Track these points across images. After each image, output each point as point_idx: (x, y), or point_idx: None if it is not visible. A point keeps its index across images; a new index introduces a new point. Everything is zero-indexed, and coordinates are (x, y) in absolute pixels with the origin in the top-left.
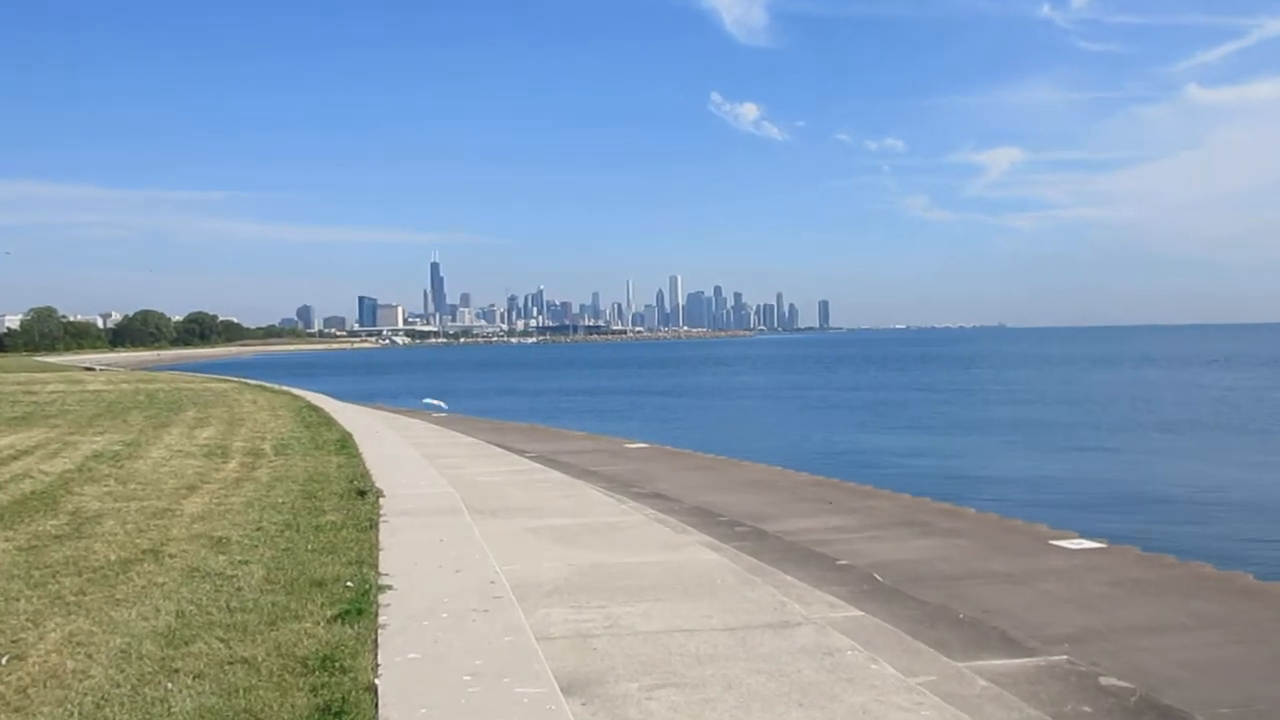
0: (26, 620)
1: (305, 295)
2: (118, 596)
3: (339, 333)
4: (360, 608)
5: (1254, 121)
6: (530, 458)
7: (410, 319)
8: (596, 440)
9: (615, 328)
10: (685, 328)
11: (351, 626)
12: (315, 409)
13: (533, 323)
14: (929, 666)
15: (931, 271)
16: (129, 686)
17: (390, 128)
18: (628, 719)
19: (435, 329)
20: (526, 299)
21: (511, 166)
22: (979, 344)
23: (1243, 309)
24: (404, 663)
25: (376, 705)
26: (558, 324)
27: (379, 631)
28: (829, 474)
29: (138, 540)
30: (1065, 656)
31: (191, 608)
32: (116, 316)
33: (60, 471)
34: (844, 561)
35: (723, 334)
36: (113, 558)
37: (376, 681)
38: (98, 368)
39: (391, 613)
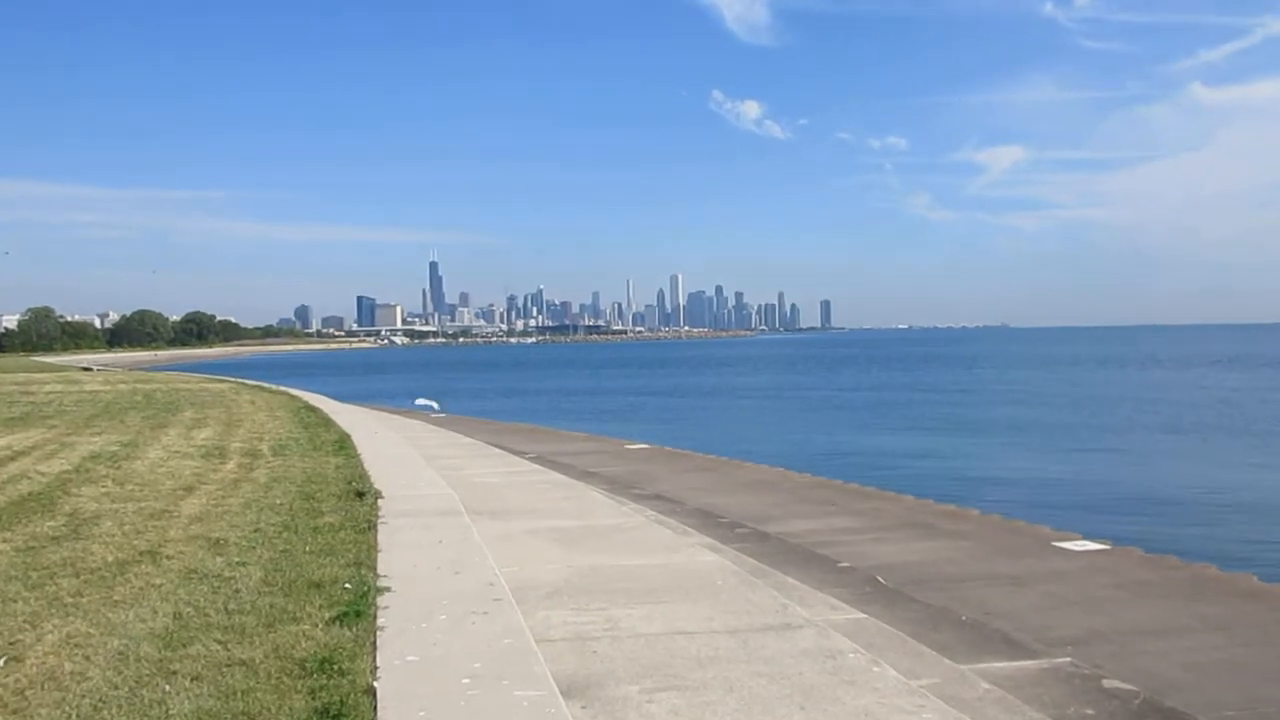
0: (24, 622)
1: (303, 295)
2: (115, 598)
3: (337, 333)
4: (359, 610)
5: (1257, 121)
6: (530, 459)
7: (409, 319)
8: (596, 441)
9: (615, 328)
10: (686, 328)
11: (350, 629)
12: (313, 409)
13: (532, 323)
14: (932, 669)
15: (934, 271)
16: (127, 689)
17: (389, 127)
18: None
19: (434, 329)
20: (526, 299)
21: (511, 165)
22: (982, 344)
23: (1247, 309)
24: (403, 665)
25: (375, 708)
26: (557, 324)
27: (377, 634)
28: (831, 475)
29: (135, 541)
30: (1069, 659)
31: (189, 609)
32: (114, 316)
33: (58, 472)
34: (846, 563)
35: (724, 334)
36: (110, 559)
37: (375, 684)
38: (95, 368)
39: (390, 615)
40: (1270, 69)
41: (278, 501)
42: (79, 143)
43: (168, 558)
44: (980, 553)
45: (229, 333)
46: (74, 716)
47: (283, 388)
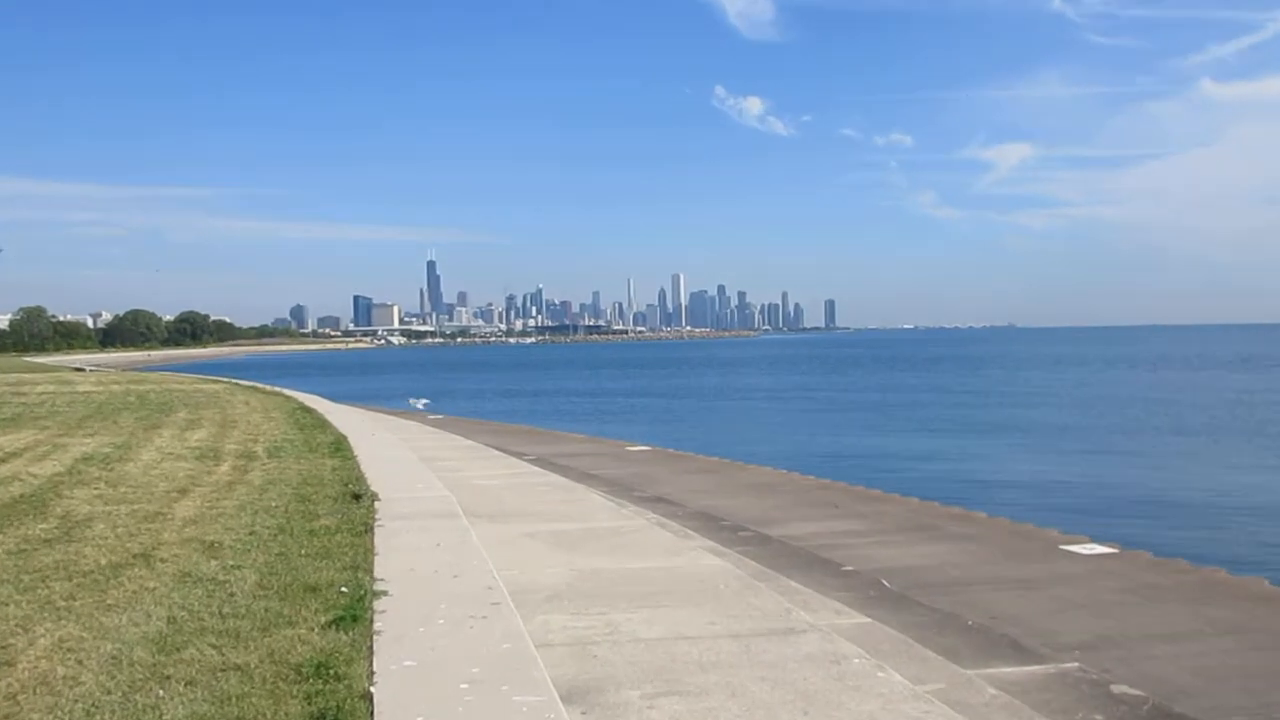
0: (16, 626)
1: (299, 294)
2: (108, 602)
3: (333, 333)
4: (355, 614)
5: (1268, 117)
6: (529, 460)
7: (406, 319)
8: (597, 443)
9: (616, 328)
10: (688, 328)
11: (346, 633)
12: (309, 410)
13: (531, 322)
14: (938, 674)
15: (940, 270)
16: (120, 694)
17: (387, 125)
18: None
19: (432, 329)
20: (525, 298)
21: (511, 164)
22: (988, 344)
23: (1259, 309)
24: (400, 670)
25: (372, 713)
26: (557, 324)
27: (374, 638)
28: (835, 477)
29: (128, 544)
30: (1076, 664)
31: (183, 613)
32: (107, 316)
33: (50, 474)
34: (850, 567)
35: (726, 334)
36: (103, 562)
37: (372, 689)
38: (88, 368)
39: (387, 619)
40: None
41: (273, 504)
42: (72, 140)
43: (161, 561)
44: (987, 556)
45: (223, 333)
46: None
47: (278, 388)
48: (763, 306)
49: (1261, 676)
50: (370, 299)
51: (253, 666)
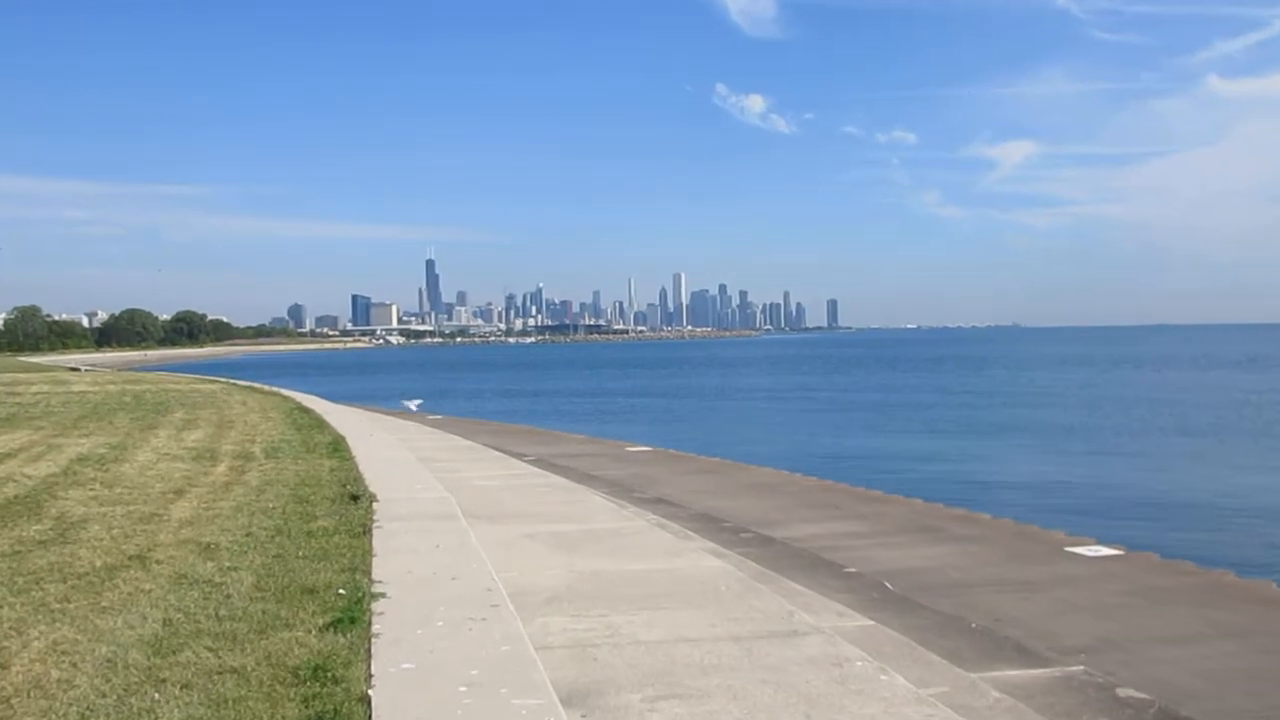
0: (9, 628)
1: (297, 293)
2: (103, 604)
3: (331, 332)
4: (353, 616)
5: (1276, 114)
6: (529, 461)
7: (405, 318)
8: (597, 443)
9: (617, 327)
10: (689, 327)
11: (344, 635)
12: (306, 411)
13: (531, 322)
14: (941, 677)
15: (943, 269)
16: (115, 697)
17: (386, 122)
18: None
19: (431, 328)
20: (525, 297)
21: (510, 162)
22: (992, 344)
23: (1265, 308)
24: (398, 673)
25: (370, 717)
26: (557, 323)
27: (372, 640)
28: (837, 478)
29: (124, 546)
30: (1081, 667)
31: (179, 616)
32: (103, 315)
33: (44, 475)
34: (853, 569)
35: (728, 334)
36: (98, 564)
37: (370, 692)
38: (83, 368)
39: (385, 621)
40: None
41: (270, 505)
42: (67, 137)
43: (157, 562)
44: (991, 558)
45: (220, 332)
46: None
47: (275, 388)
48: (764, 306)
49: (1268, 680)
50: (369, 298)
51: (249, 669)
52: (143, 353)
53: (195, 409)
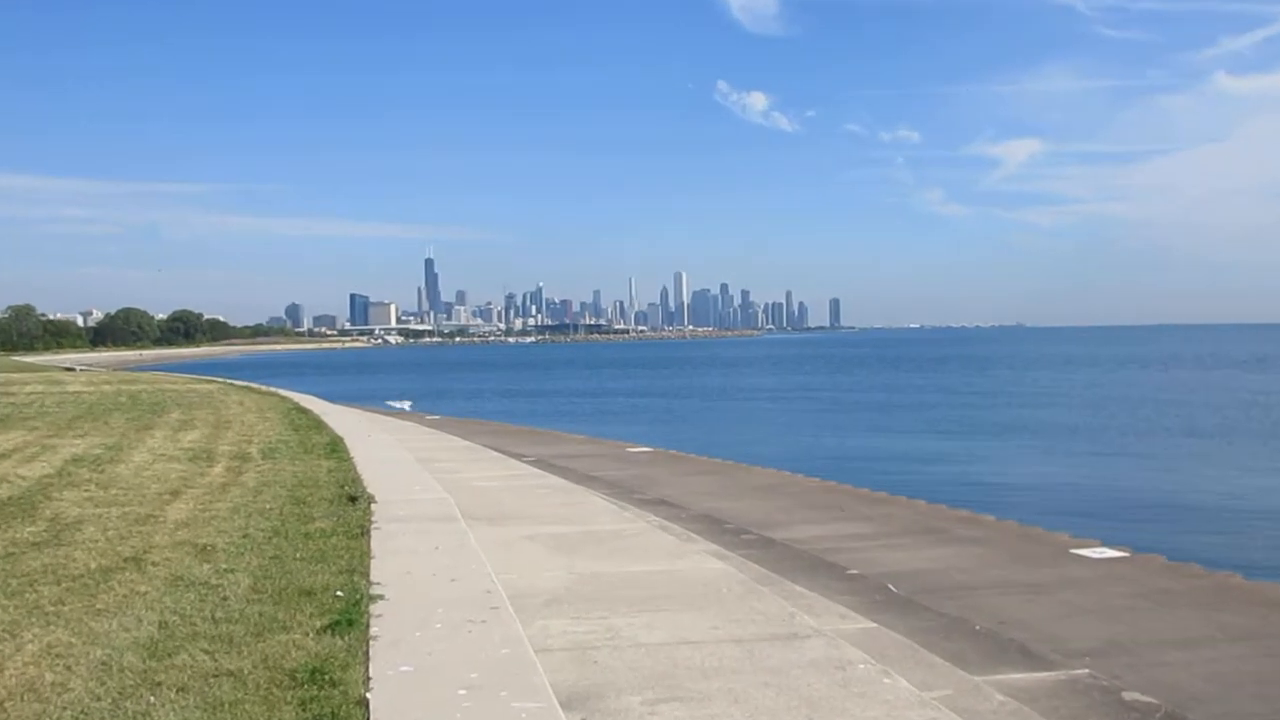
0: (3, 631)
1: (294, 293)
2: (98, 606)
3: (329, 332)
4: (351, 618)
5: None
6: (528, 462)
7: (404, 317)
8: (597, 444)
9: (617, 327)
10: (690, 327)
11: (342, 638)
12: (304, 411)
13: (531, 321)
14: (945, 680)
15: (947, 268)
16: (110, 700)
17: (384, 118)
18: None
19: (430, 328)
20: (525, 297)
21: (509, 160)
22: (997, 344)
23: (1273, 308)
24: (396, 676)
25: None
26: (557, 323)
27: (370, 643)
28: (840, 479)
29: (119, 548)
30: (1087, 670)
31: (175, 618)
32: (98, 314)
33: (39, 476)
34: (856, 571)
35: (729, 333)
36: (93, 566)
37: (368, 695)
38: (78, 368)
39: (383, 623)
40: None
41: (267, 506)
42: (61, 134)
43: (153, 564)
44: (995, 560)
45: (217, 332)
46: None
47: (272, 388)
48: (766, 305)
49: (1276, 683)
50: (367, 297)
51: (246, 672)
52: (138, 352)
53: (191, 409)
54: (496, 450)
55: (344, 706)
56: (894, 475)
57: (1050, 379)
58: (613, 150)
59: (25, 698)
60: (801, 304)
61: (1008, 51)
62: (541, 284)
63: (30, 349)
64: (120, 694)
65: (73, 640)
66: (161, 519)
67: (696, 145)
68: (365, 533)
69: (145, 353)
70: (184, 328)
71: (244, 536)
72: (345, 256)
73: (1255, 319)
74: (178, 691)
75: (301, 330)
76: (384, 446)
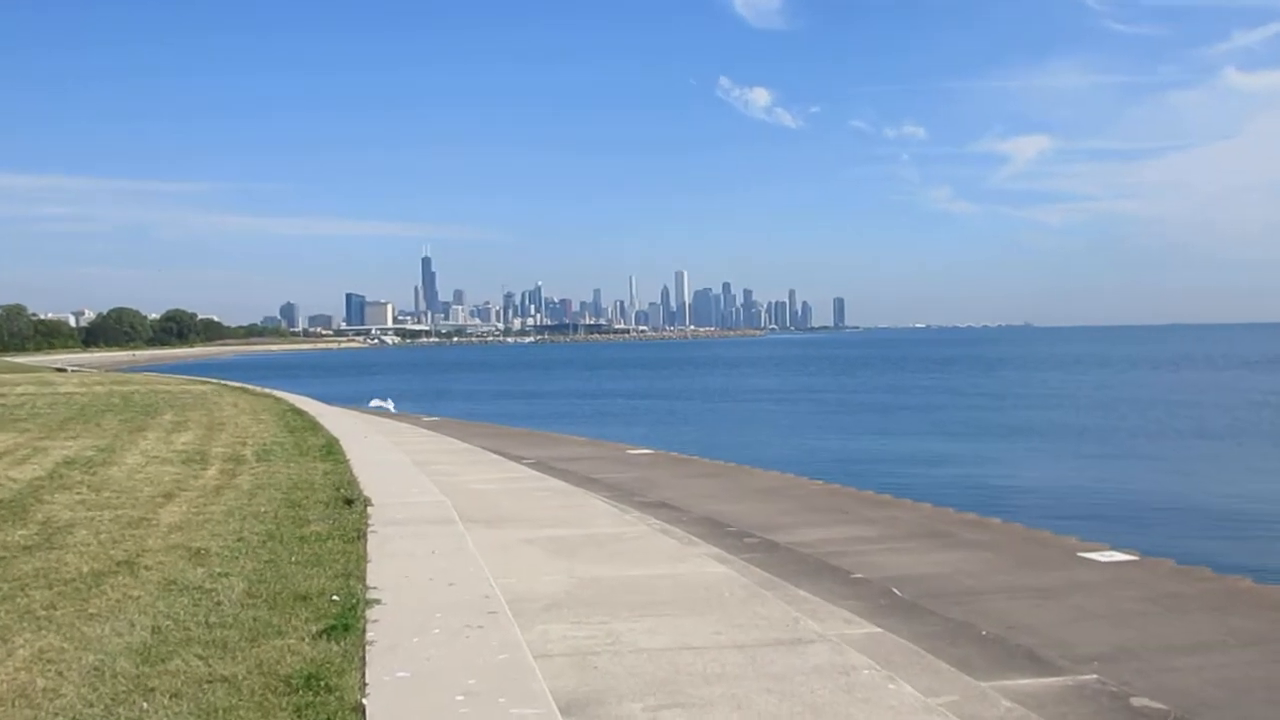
0: None
1: (289, 292)
2: (90, 611)
3: (325, 332)
4: (347, 623)
5: None
6: (527, 464)
7: (400, 317)
8: (597, 446)
9: (618, 327)
10: (692, 327)
11: (338, 643)
12: (299, 412)
13: (530, 321)
14: (951, 686)
15: (953, 268)
16: (102, 706)
17: (382, 116)
18: None
19: (427, 328)
20: (524, 296)
21: (508, 158)
22: (1004, 344)
23: None
24: (393, 682)
25: None
26: (556, 323)
27: (367, 648)
28: (844, 482)
29: (112, 551)
30: (1095, 676)
31: (168, 623)
32: (90, 315)
33: (30, 478)
34: (860, 575)
35: (731, 333)
36: (85, 570)
37: (364, 701)
38: (70, 369)
39: (380, 628)
40: None
41: (262, 509)
42: (51, 131)
43: (146, 568)
44: (1002, 564)
45: (211, 332)
46: None
47: (267, 389)
48: (769, 305)
49: None
50: (363, 297)
51: (240, 678)
52: (131, 353)
53: (185, 411)
54: (495, 452)
55: (340, 713)
56: (899, 478)
57: (1059, 380)
58: (613, 147)
59: (16, 704)
60: (805, 303)
61: (1015, 46)
62: (540, 283)
63: (21, 349)
64: (113, 700)
65: (65, 645)
66: (154, 522)
67: (699, 142)
68: (361, 536)
69: (138, 353)
70: (177, 328)
71: (238, 540)
72: (341, 255)
73: (1269, 318)
74: (171, 697)
75: (297, 330)
76: (380, 449)
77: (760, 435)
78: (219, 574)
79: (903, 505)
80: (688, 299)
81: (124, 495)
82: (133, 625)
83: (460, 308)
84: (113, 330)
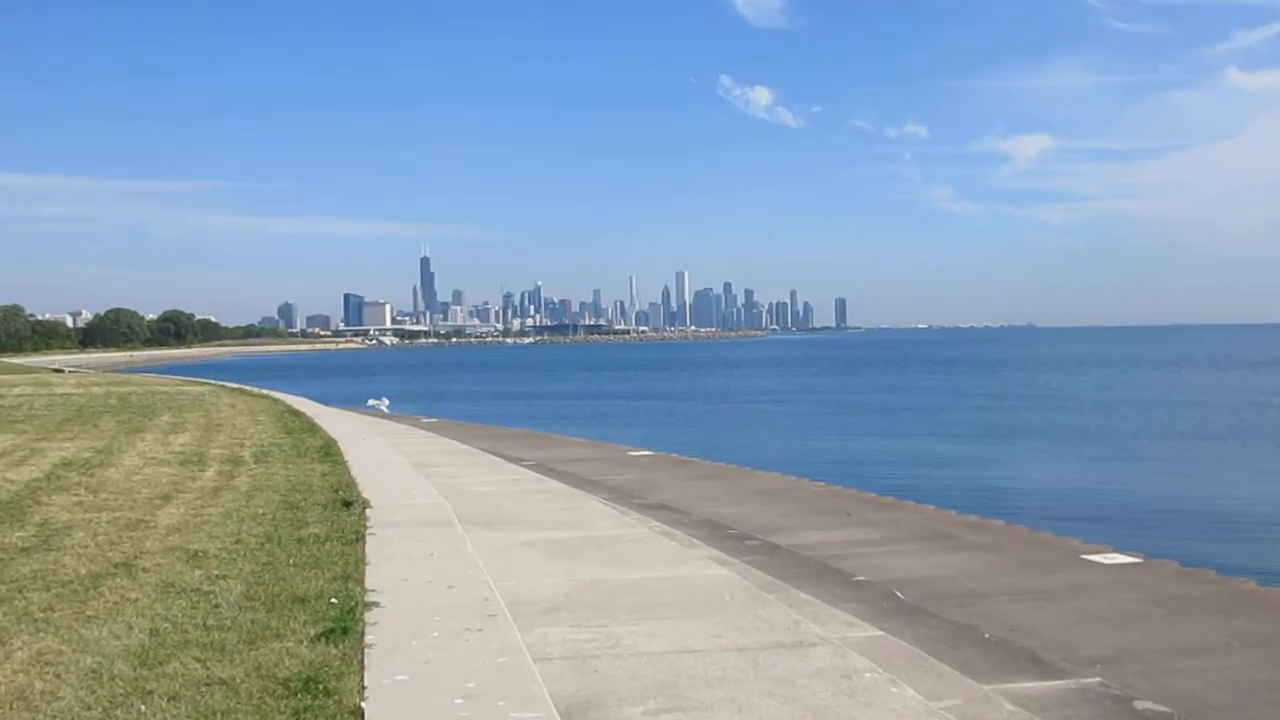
0: None
1: (287, 292)
2: (88, 613)
3: (323, 332)
4: (345, 626)
5: None
6: (527, 466)
7: (399, 318)
8: (597, 447)
9: (618, 327)
10: (692, 327)
11: (336, 646)
12: (297, 414)
13: (530, 322)
14: (953, 689)
15: (955, 268)
16: (100, 709)
17: (380, 115)
18: None
19: (425, 328)
20: (523, 296)
21: (507, 156)
22: (1006, 345)
23: None
24: (392, 685)
25: None
26: (556, 323)
27: (365, 651)
28: (846, 484)
29: (109, 553)
30: (1098, 679)
31: (166, 625)
32: (87, 315)
33: (27, 480)
34: (862, 577)
35: (732, 334)
36: (83, 572)
37: (363, 705)
38: (67, 369)
39: (379, 631)
40: None
41: (260, 511)
42: (49, 130)
43: (144, 570)
44: (1005, 566)
45: (208, 332)
46: None
47: (265, 390)
48: (770, 305)
49: None
50: (361, 297)
51: (238, 681)
52: (128, 354)
53: (183, 412)
54: (494, 454)
55: (339, 716)
56: (901, 479)
57: (1061, 380)
58: (613, 146)
59: (14, 706)
60: (806, 304)
61: (1017, 45)
62: (540, 283)
63: (18, 350)
64: (111, 703)
65: (62, 648)
66: (152, 524)
67: (699, 142)
68: (360, 538)
69: (135, 354)
70: (175, 328)
71: (236, 542)
72: (339, 255)
73: (1271, 319)
74: (169, 700)
75: (294, 331)
76: (379, 450)
77: (761, 437)
78: (217, 576)
79: (905, 507)
80: (688, 299)
81: (121, 497)
82: (130, 628)
83: (459, 308)
84: (110, 331)
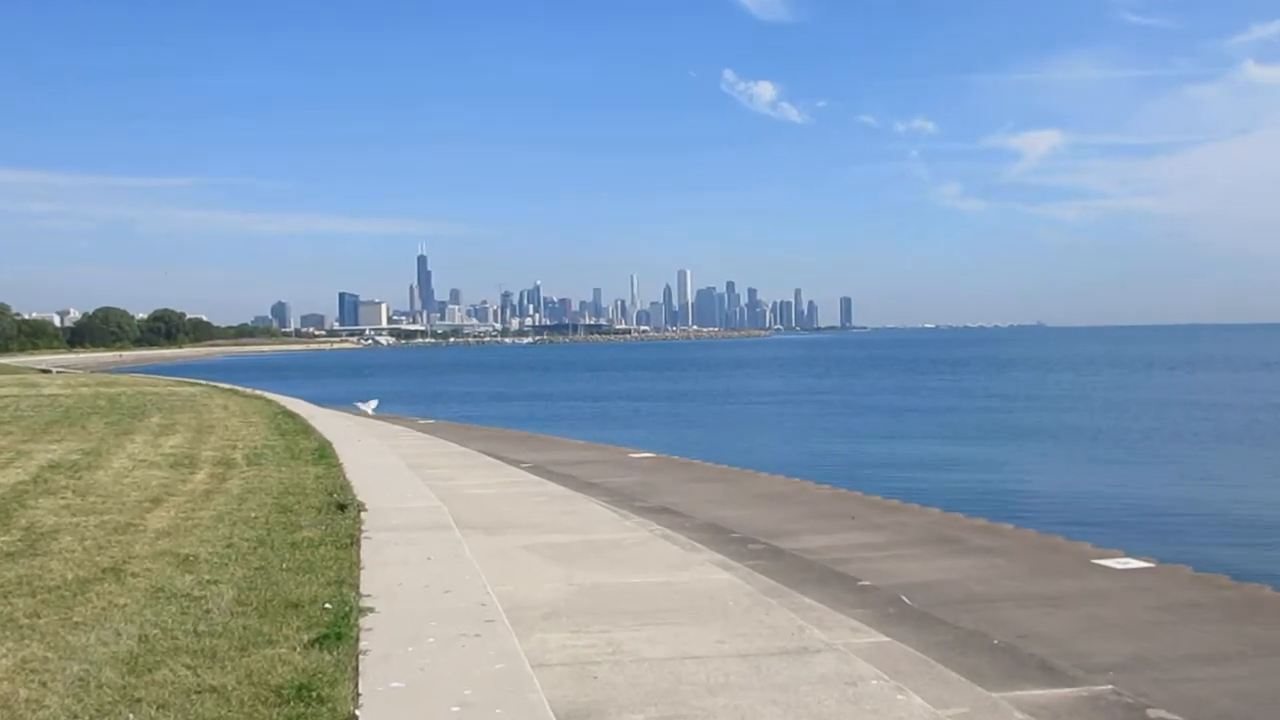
0: None
1: (281, 291)
2: (75, 619)
3: (317, 332)
4: (340, 632)
5: None
6: (526, 468)
7: (395, 317)
8: (598, 450)
9: (619, 327)
10: (695, 327)
11: (330, 652)
12: (291, 415)
13: (529, 321)
14: (961, 697)
15: (964, 266)
16: (87, 717)
17: (376, 112)
18: None
19: (422, 328)
20: (522, 295)
21: (506, 153)
22: (1016, 345)
23: None
24: (387, 692)
25: None
26: (556, 322)
27: (360, 658)
28: (851, 486)
29: (97, 558)
30: (1110, 686)
31: (156, 631)
32: (75, 314)
33: (13, 483)
34: (868, 582)
35: (735, 334)
36: (70, 577)
37: (357, 713)
38: (55, 370)
39: (374, 637)
40: None
41: (252, 515)
42: (35, 126)
43: (133, 575)
44: (1014, 571)
45: (200, 332)
46: None
47: (258, 391)
48: (774, 304)
49: None
50: (357, 296)
51: (230, 688)
52: (118, 353)
53: (173, 413)
54: (492, 456)
55: None
56: (907, 482)
57: (1072, 381)
58: (614, 143)
59: None
60: (811, 303)
61: (1028, 38)
62: (539, 282)
63: (5, 350)
64: (98, 711)
65: (48, 655)
66: (142, 528)
67: (702, 138)
68: (355, 542)
69: (125, 354)
70: (165, 328)
71: (228, 546)
72: (334, 253)
73: None
74: (158, 708)
75: (288, 330)
76: (374, 452)
77: (765, 438)
78: (208, 581)
79: (911, 510)
80: (690, 298)
81: (110, 500)
82: (119, 634)
83: (457, 307)
84: (99, 330)
